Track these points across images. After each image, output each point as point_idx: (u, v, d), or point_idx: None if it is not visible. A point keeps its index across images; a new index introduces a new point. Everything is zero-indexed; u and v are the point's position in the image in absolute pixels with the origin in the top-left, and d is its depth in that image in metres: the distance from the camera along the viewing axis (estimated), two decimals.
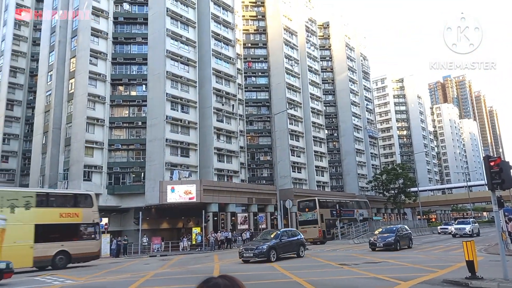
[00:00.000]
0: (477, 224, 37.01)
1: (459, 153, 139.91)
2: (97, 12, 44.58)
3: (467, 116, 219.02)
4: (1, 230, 19.34)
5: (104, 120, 43.30)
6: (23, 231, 20.13)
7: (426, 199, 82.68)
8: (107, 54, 44.92)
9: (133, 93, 46.22)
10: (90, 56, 43.13)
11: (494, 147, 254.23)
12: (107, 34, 45.27)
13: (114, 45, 46.32)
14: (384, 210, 72.67)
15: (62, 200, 23.81)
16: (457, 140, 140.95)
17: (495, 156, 15.70)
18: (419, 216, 73.41)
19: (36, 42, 57.53)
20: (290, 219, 49.49)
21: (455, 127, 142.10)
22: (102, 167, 42.18)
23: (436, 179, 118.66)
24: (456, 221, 40.08)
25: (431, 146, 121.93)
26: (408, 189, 65.82)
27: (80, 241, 22.52)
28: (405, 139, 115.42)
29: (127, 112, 45.80)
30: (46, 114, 47.43)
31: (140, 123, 44.87)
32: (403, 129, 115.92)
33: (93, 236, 23.24)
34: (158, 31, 45.58)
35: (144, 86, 45.82)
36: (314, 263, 18.30)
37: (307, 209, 40.14)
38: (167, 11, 45.54)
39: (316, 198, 41.20)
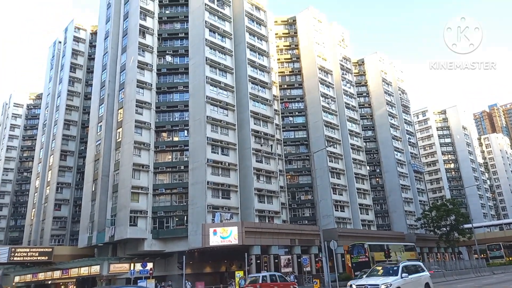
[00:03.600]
0: (425, 273, 18.29)
1: None
2: (142, 66, 47.87)
3: None
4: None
5: (149, 165, 45.08)
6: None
7: (482, 236, 76.77)
8: (151, 104, 47.56)
9: (176, 139, 48.08)
10: (136, 106, 45.86)
11: None
12: (151, 85, 48.20)
13: (158, 95, 49.04)
14: (436, 249, 68.15)
15: (409, 247, 51.85)
16: (511, 171, 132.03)
17: None
18: (476, 255, 68.00)
19: (87, 97, 62.33)
20: (335, 261, 47.52)
21: (507, 157, 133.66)
22: (147, 211, 43.37)
23: (491, 214, 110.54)
24: (382, 269, 18.52)
25: (483, 179, 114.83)
26: (461, 226, 61.70)
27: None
28: (453, 172, 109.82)
29: (170, 157, 47.48)
30: (96, 162, 50.19)
31: (182, 167, 46.22)
32: (450, 162, 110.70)
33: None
34: (198, 79, 47.93)
35: (186, 131, 47.64)
36: None
37: (494, 249, 64.81)
38: (206, 60, 48.04)
39: (500, 243, 66.36)
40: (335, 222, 56.41)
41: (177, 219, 44.67)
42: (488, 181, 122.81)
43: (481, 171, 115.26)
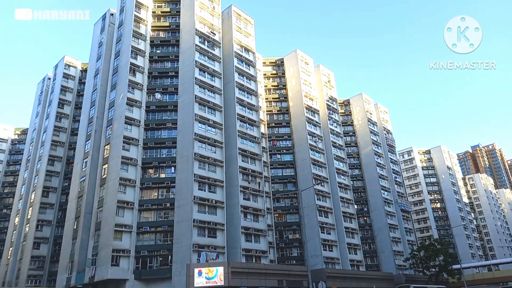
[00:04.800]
0: None
1: (500, 225, 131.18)
2: (131, 102, 48.17)
3: (503, 185, 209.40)
4: None
5: (133, 203, 44.15)
6: None
7: (471, 277, 75.83)
8: (139, 140, 47.40)
9: (162, 175, 47.53)
10: (123, 142, 45.60)
11: None
12: (139, 121, 48.29)
13: (146, 131, 49.03)
14: None
15: None
16: (496, 211, 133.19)
17: None
18: None
19: (74, 132, 61.91)
20: None
21: (492, 197, 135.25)
22: (130, 251, 41.92)
23: (479, 255, 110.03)
24: None
25: (469, 219, 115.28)
26: (450, 267, 61.10)
27: None
28: (439, 212, 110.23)
29: (156, 194, 46.70)
30: (79, 199, 48.99)
31: (168, 205, 45.38)
32: (436, 201, 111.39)
33: None
34: (187, 116, 48.29)
35: (173, 168, 47.26)
36: None
37: None
38: (195, 98, 48.68)
39: None
40: (323, 262, 55.32)
41: (161, 258, 43.22)
42: (474, 221, 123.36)
43: (467, 211, 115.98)
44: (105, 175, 46.47)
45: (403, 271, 68.06)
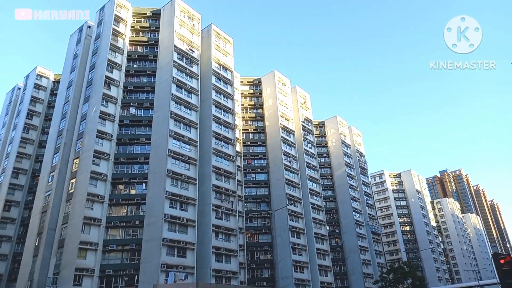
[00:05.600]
0: None
1: (466, 249, 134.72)
2: (104, 116, 47.05)
3: (469, 210, 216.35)
4: None
5: (101, 219, 42.54)
6: None
7: None
8: (110, 155, 46.12)
9: (133, 192, 46.24)
10: (94, 156, 44.24)
11: (501, 242, 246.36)
12: (111, 136, 47.11)
13: (118, 146, 47.81)
14: None
15: None
16: (462, 235, 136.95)
17: (504, 253, 15.09)
18: None
19: (42, 145, 59.55)
20: None
21: (458, 222, 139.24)
22: (94, 270, 40.08)
23: (446, 278, 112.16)
24: None
25: (437, 242, 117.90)
26: None
27: None
28: (409, 235, 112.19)
29: (125, 211, 45.23)
30: (43, 214, 46.74)
31: (137, 222, 43.98)
32: (406, 224, 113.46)
33: None
34: (162, 132, 47.59)
35: (144, 184, 46.11)
36: None
37: None
38: (171, 114, 48.17)
39: None
40: (294, 284, 54.81)
41: (126, 278, 41.51)
42: (441, 244, 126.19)
43: (434, 234, 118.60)
44: (72, 190, 44.71)
45: None
